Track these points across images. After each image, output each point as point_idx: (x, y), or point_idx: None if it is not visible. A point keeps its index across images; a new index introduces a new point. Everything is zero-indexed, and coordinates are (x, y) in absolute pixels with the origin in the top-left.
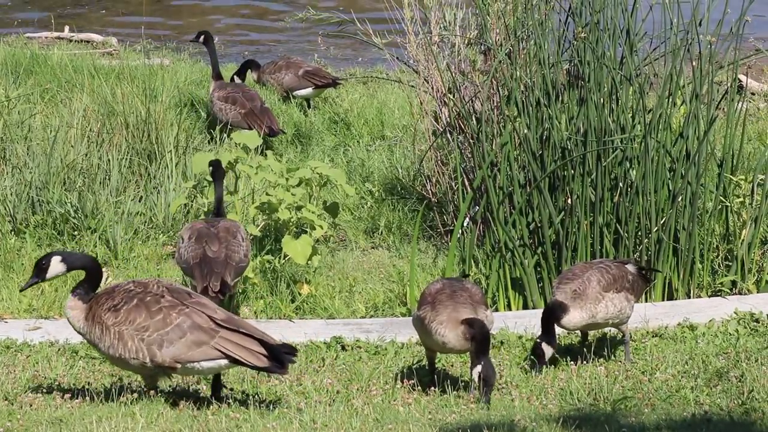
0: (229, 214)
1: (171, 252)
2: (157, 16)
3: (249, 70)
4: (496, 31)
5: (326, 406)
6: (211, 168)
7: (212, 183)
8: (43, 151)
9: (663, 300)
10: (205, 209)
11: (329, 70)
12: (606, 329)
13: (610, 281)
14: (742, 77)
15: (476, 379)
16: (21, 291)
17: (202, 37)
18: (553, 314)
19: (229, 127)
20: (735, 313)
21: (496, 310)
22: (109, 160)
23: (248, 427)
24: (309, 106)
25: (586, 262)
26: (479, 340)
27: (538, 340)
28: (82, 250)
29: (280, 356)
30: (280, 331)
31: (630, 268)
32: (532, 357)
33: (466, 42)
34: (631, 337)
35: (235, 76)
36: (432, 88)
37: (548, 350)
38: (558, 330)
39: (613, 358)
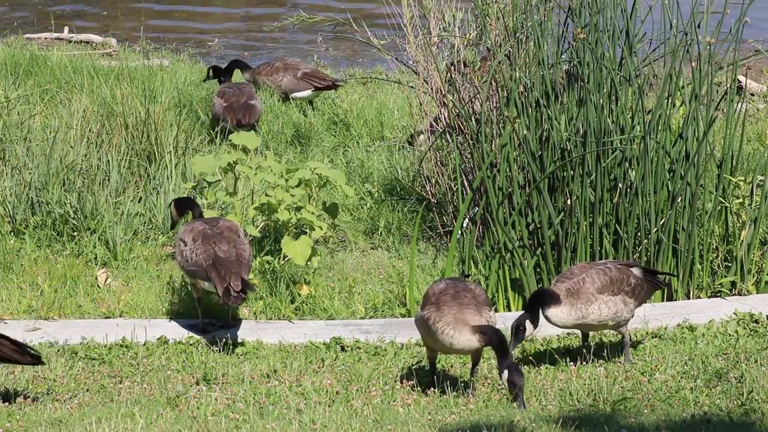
0: (229, 215)
1: (171, 252)
2: (156, 16)
3: (239, 70)
4: (496, 32)
5: (326, 407)
6: (177, 207)
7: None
8: (43, 152)
9: (662, 301)
10: (204, 210)
11: (328, 71)
12: (607, 330)
13: (606, 283)
14: (742, 78)
15: (506, 384)
16: None
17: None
18: (541, 300)
19: (214, 118)
20: (734, 313)
21: (496, 310)
22: (108, 160)
23: (248, 428)
24: (312, 108)
25: (588, 263)
26: (498, 345)
27: (522, 318)
28: (81, 251)
29: (29, 352)
30: (279, 332)
31: (635, 271)
32: (512, 331)
33: (465, 43)
34: (630, 338)
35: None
36: (431, 88)
37: (530, 329)
38: (557, 331)
39: (612, 359)
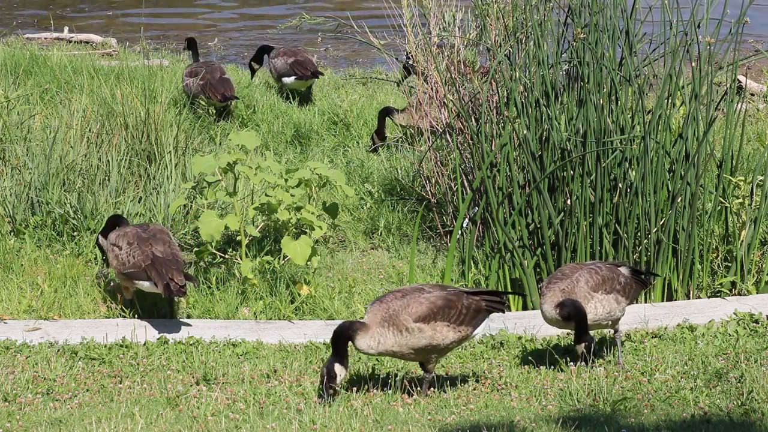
0: (229, 216)
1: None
2: (156, 17)
3: (266, 55)
4: (495, 32)
5: (326, 407)
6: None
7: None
8: (43, 152)
9: (662, 301)
10: (204, 210)
11: (328, 71)
12: (605, 330)
13: (599, 282)
14: (742, 78)
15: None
16: None
17: (186, 43)
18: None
19: (192, 98)
20: (734, 313)
21: None
22: (108, 160)
23: (248, 428)
24: (309, 100)
25: (577, 263)
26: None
27: (585, 335)
28: (81, 251)
29: None
30: (279, 332)
31: (623, 270)
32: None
33: (465, 43)
34: (630, 338)
35: (252, 63)
36: (431, 88)
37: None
38: (557, 331)
39: (612, 359)
